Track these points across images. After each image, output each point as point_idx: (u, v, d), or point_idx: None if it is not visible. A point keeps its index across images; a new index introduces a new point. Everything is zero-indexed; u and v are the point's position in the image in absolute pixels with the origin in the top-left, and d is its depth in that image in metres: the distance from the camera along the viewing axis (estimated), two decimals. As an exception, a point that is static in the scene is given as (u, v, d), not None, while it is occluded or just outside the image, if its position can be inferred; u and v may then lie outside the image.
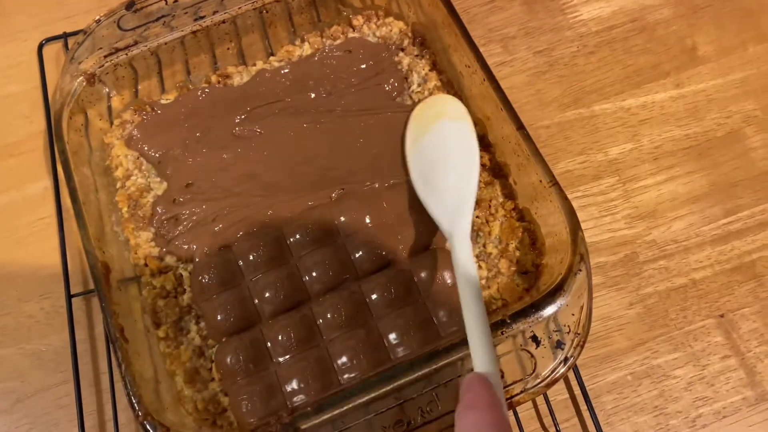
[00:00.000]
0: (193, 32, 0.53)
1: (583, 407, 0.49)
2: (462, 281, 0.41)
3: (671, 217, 0.55)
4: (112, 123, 0.55)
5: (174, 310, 0.48)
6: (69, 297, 0.52)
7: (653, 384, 0.50)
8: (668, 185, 0.56)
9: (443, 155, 0.50)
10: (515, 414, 0.48)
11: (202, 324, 0.48)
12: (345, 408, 0.40)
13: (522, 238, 0.49)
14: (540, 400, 0.50)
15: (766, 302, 0.52)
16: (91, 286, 0.54)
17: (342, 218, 0.49)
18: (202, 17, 0.52)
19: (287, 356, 0.46)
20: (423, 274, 0.47)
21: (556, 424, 0.48)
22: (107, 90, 0.54)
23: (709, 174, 0.56)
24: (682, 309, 0.52)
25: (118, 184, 0.53)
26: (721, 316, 0.52)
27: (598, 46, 0.61)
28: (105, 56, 0.51)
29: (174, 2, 0.53)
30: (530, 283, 0.48)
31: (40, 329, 0.53)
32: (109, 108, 0.55)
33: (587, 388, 0.49)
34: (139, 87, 0.57)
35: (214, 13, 0.53)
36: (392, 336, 0.46)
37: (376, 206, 0.49)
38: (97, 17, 0.53)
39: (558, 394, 0.50)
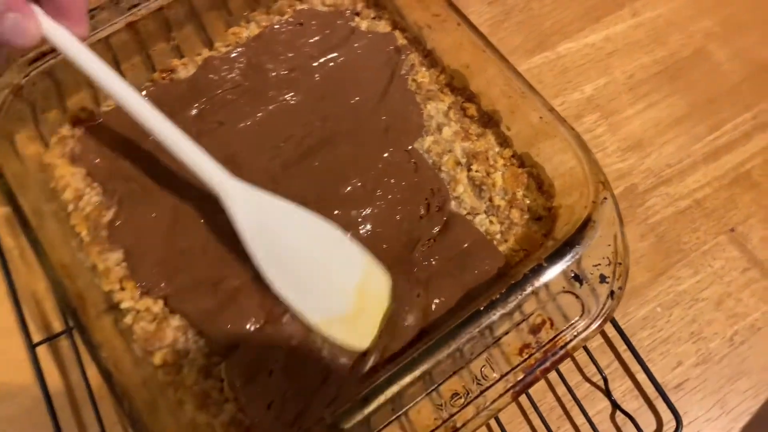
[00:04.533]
0: (128, 24, 0.47)
1: (622, 348, 0.47)
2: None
3: (660, 143, 0.54)
4: (46, 142, 0.49)
5: (166, 332, 0.42)
6: (32, 347, 0.45)
7: (684, 311, 0.48)
8: (649, 112, 0.55)
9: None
10: (557, 371, 0.45)
11: (203, 342, 0.42)
12: (389, 395, 0.36)
13: (528, 184, 0.46)
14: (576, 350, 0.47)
15: (769, 208, 0.52)
16: (55, 329, 0.47)
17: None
18: (136, 5, 0.47)
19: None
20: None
21: (600, 371, 0.45)
22: (35, 105, 0.47)
23: (685, 95, 0.56)
24: (693, 231, 0.51)
25: (70, 207, 0.46)
26: (732, 230, 0.51)
27: (549, -12, 0.60)
28: (30, 63, 0.45)
29: (100, -6, 0.47)
30: (547, 228, 0.45)
31: (5, 390, 0.45)
32: (37, 125, 0.48)
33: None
34: (69, 101, 0.50)
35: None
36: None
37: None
38: (12, 23, 0.46)
39: (592, 341, 0.47)
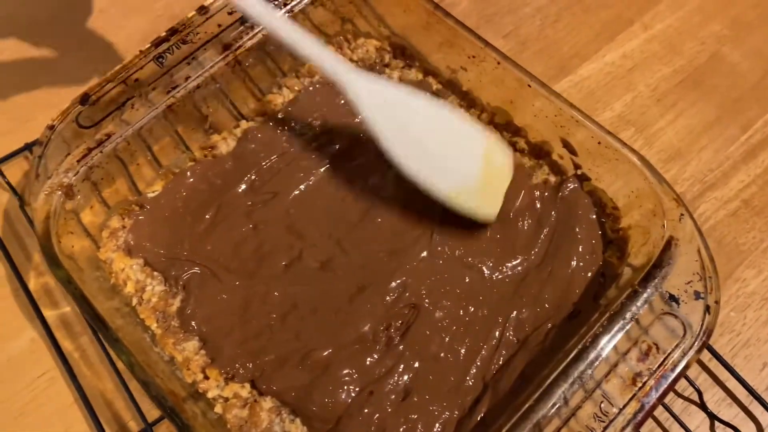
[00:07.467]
0: (168, 107, 0.46)
1: (707, 358, 0.46)
2: None
3: (697, 149, 0.55)
4: (93, 237, 0.47)
5: (260, 416, 0.40)
6: (116, 452, 0.43)
7: (757, 312, 0.49)
8: (681, 121, 0.56)
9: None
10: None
11: (299, 420, 0.40)
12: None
13: (591, 208, 0.46)
14: (664, 367, 0.46)
15: (813, 198, 0.53)
16: (131, 430, 0.45)
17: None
18: (174, 87, 0.46)
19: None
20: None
21: (693, 384, 0.45)
22: (82, 201, 0.46)
23: (711, 99, 0.57)
24: (748, 230, 0.51)
25: (134, 301, 0.45)
26: (784, 224, 0.52)
27: (559, 14, 0.61)
28: (78, 161, 0.44)
29: (135, 81, 0.46)
30: (621, 251, 0.45)
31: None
32: (79, 220, 0.47)
33: (701, 339, 0.46)
34: (106, 193, 0.49)
35: (186, 79, 0.46)
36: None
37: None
38: (50, 122, 0.45)
39: (676, 355, 0.47)
